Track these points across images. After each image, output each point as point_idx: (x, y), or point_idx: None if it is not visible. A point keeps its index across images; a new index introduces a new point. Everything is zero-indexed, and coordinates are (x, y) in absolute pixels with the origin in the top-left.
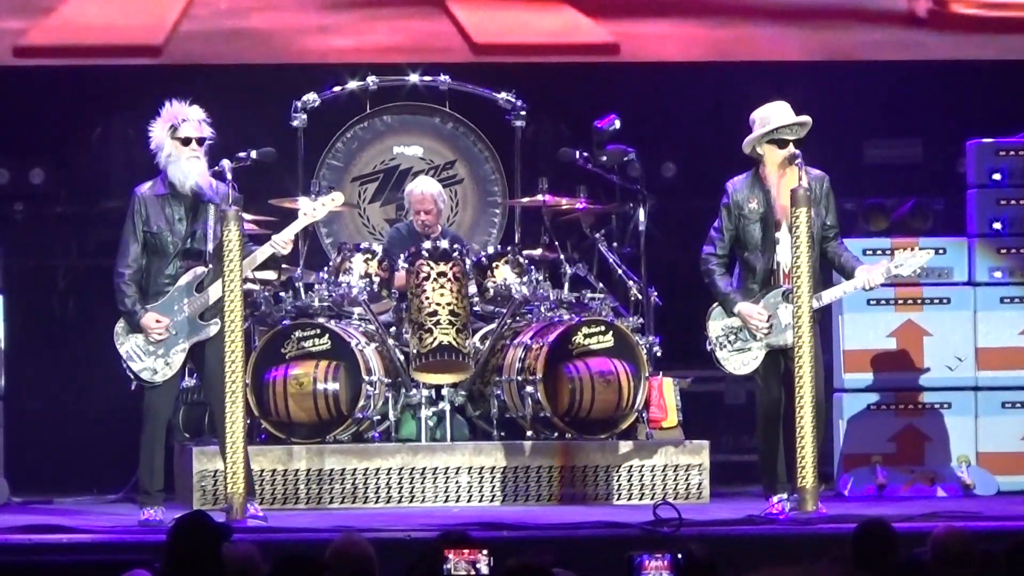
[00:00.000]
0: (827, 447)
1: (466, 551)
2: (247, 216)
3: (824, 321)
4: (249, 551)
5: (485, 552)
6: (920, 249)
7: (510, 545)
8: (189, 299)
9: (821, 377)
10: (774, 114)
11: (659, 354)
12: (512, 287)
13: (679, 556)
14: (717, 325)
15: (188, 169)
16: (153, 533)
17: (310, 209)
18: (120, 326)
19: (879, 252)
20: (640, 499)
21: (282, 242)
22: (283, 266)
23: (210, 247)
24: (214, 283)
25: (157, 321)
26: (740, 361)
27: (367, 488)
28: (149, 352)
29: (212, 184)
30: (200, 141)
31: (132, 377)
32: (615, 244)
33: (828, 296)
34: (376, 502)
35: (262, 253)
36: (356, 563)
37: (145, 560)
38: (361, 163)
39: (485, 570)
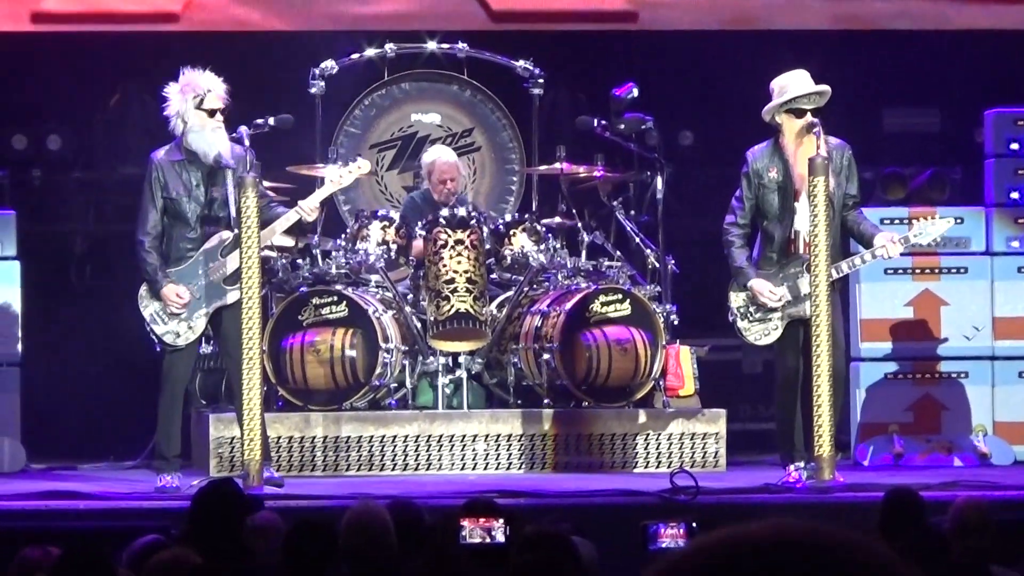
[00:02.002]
0: (844, 416)
1: (482, 519)
2: (266, 183)
3: (842, 291)
4: (271, 519)
5: (501, 520)
6: (939, 218)
7: (526, 513)
8: (213, 264)
9: (840, 347)
10: (792, 83)
11: (676, 322)
12: (529, 255)
13: (694, 525)
14: (739, 296)
15: (213, 140)
16: (170, 499)
17: (336, 176)
18: (144, 289)
19: (897, 221)
20: (657, 467)
21: (308, 208)
22: (307, 233)
23: (233, 212)
24: (237, 248)
25: (177, 295)
26: (761, 331)
27: (384, 455)
28: (172, 316)
29: (232, 150)
30: (223, 111)
31: (155, 340)
32: (632, 212)
33: (846, 266)
34: (393, 469)
35: (287, 219)
36: (372, 530)
37: (162, 526)
38: (379, 130)
39: (500, 538)
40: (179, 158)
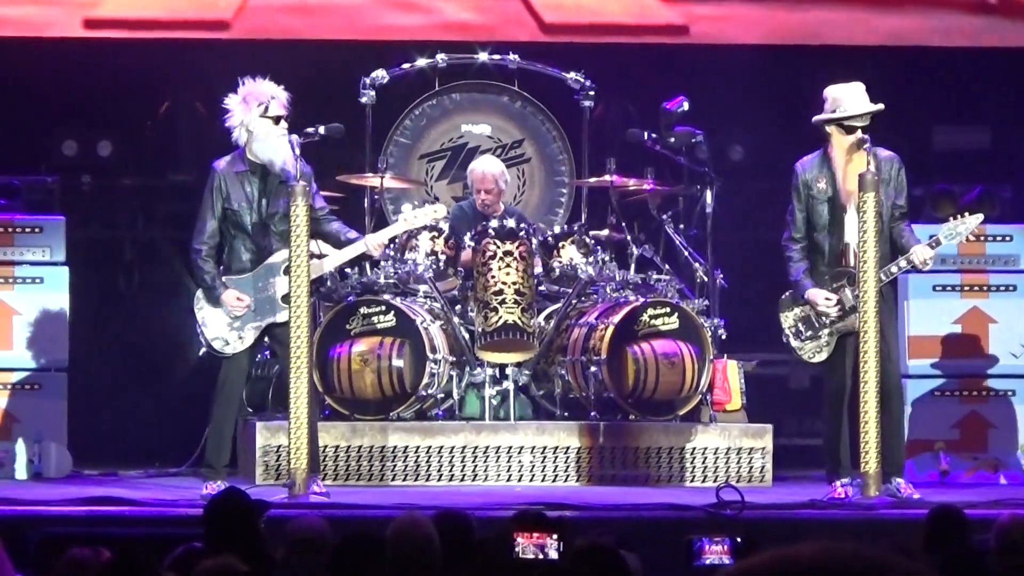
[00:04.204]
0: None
1: (535, 535)
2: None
3: (892, 306)
4: (319, 525)
5: (555, 536)
6: (969, 215)
7: (572, 525)
8: (275, 279)
9: (896, 362)
10: (846, 99)
11: (724, 336)
12: (578, 267)
13: (738, 540)
14: (788, 316)
15: (278, 147)
16: None
17: (411, 216)
18: (201, 292)
19: None
20: (703, 482)
21: (375, 244)
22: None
23: None
24: None
25: (238, 299)
26: (814, 348)
27: (430, 466)
28: (225, 323)
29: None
30: (287, 119)
31: (204, 343)
32: (682, 226)
33: (883, 275)
34: (439, 480)
35: (354, 249)
36: (417, 541)
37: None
38: (429, 140)
39: (553, 554)
40: (242, 169)
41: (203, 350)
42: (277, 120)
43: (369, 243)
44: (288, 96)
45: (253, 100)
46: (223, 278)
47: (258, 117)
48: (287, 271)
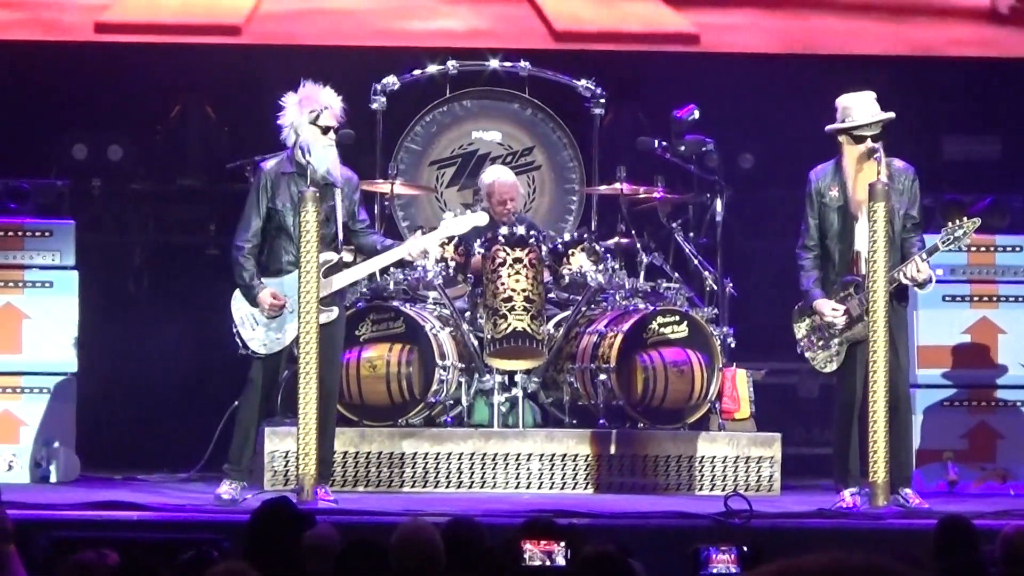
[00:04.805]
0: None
1: (542, 542)
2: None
3: (904, 316)
4: (327, 533)
5: (562, 544)
6: (968, 219)
7: (580, 533)
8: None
9: (906, 372)
10: (856, 108)
11: (733, 345)
12: (588, 275)
13: (745, 549)
14: (800, 327)
15: (323, 156)
16: (224, 513)
17: (453, 223)
18: (239, 291)
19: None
20: (711, 490)
21: (418, 250)
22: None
23: (340, 231)
24: (341, 271)
25: (274, 296)
26: (825, 358)
27: (438, 472)
28: (262, 323)
29: (341, 170)
30: (336, 130)
31: (240, 344)
32: (691, 234)
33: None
34: (447, 487)
35: (395, 254)
36: (421, 548)
37: (215, 539)
38: (439, 147)
39: (561, 561)
40: (289, 170)
41: (240, 350)
42: (326, 131)
43: (412, 249)
44: (343, 107)
45: (307, 105)
46: (261, 278)
47: (307, 123)
48: (326, 274)
